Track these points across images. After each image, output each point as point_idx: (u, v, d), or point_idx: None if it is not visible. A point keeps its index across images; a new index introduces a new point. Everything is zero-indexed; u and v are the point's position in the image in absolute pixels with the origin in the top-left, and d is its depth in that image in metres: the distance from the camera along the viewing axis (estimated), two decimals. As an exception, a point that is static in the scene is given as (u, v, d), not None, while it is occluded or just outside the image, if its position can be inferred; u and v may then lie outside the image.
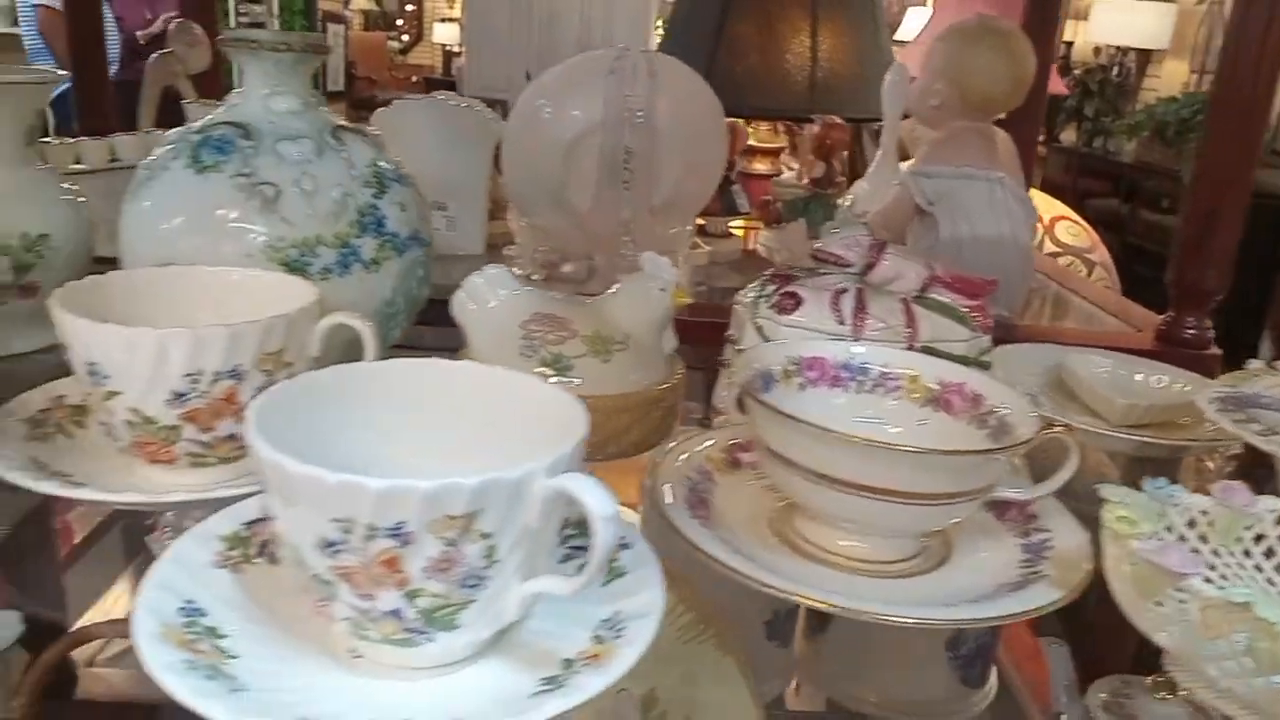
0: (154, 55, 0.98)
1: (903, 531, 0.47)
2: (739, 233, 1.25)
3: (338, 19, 7.58)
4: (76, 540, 0.58)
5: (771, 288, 0.63)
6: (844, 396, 0.53)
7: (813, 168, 1.20)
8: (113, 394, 0.45)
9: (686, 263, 1.04)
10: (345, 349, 0.51)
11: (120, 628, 0.46)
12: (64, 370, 0.70)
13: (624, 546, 0.42)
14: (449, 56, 7.77)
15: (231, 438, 0.48)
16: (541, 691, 0.34)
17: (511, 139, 0.94)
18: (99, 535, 0.57)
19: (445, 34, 7.77)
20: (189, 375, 0.45)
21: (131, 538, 0.55)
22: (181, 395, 0.45)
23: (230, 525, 0.41)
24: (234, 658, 0.35)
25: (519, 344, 0.57)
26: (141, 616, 0.35)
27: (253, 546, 0.41)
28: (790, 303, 0.61)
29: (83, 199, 0.68)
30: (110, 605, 0.50)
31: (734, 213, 1.21)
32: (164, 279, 0.53)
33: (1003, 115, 1.02)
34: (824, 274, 0.63)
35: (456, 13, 7.53)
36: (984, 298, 0.63)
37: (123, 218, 0.61)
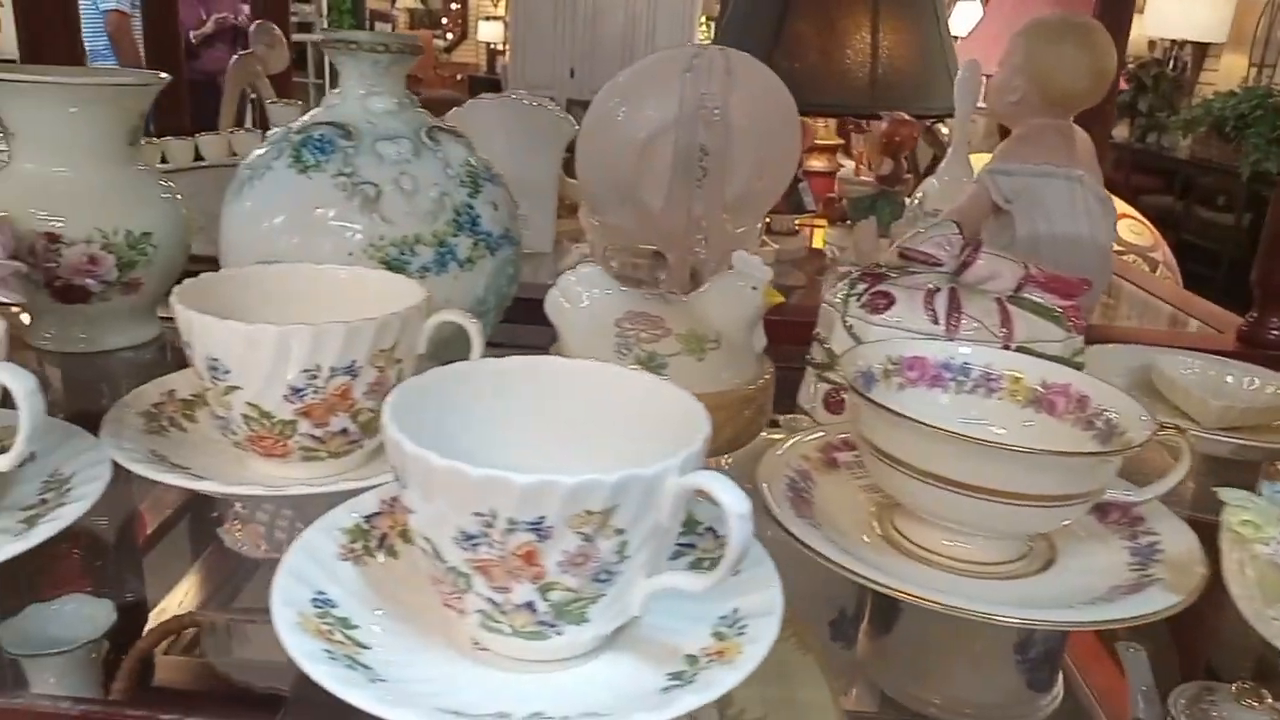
0: (235, 56, 1.00)
1: (1012, 533, 0.47)
2: (804, 230, 1.24)
3: (385, 18, 7.65)
4: (148, 530, 0.59)
5: (862, 286, 0.62)
6: (944, 397, 0.53)
7: (880, 165, 1.19)
8: (232, 389, 0.46)
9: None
10: (437, 348, 0.51)
11: (210, 616, 0.48)
12: (161, 365, 0.72)
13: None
14: (493, 55, 7.81)
15: (344, 433, 0.49)
16: (671, 687, 0.34)
17: (586, 138, 0.94)
18: (168, 526, 0.58)
19: (489, 32, 7.81)
20: (307, 371, 0.46)
21: (200, 528, 0.56)
22: (299, 391, 0.46)
23: (351, 518, 0.42)
24: (366, 648, 0.36)
25: (613, 342, 0.57)
26: (280, 606, 0.36)
27: (372, 540, 0.42)
28: (883, 302, 0.60)
29: (179, 197, 0.70)
30: (184, 594, 0.51)
31: (800, 210, 1.20)
32: (273, 276, 0.54)
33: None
34: (913, 273, 0.63)
35: (500, 11, 7.57)
36: (1078, 297, 0.63)
37: (224, 217, 0.63)
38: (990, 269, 0.60)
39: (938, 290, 0.60)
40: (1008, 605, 0.43)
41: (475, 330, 0.51)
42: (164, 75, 0.67)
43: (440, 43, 7.98)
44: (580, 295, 0.59)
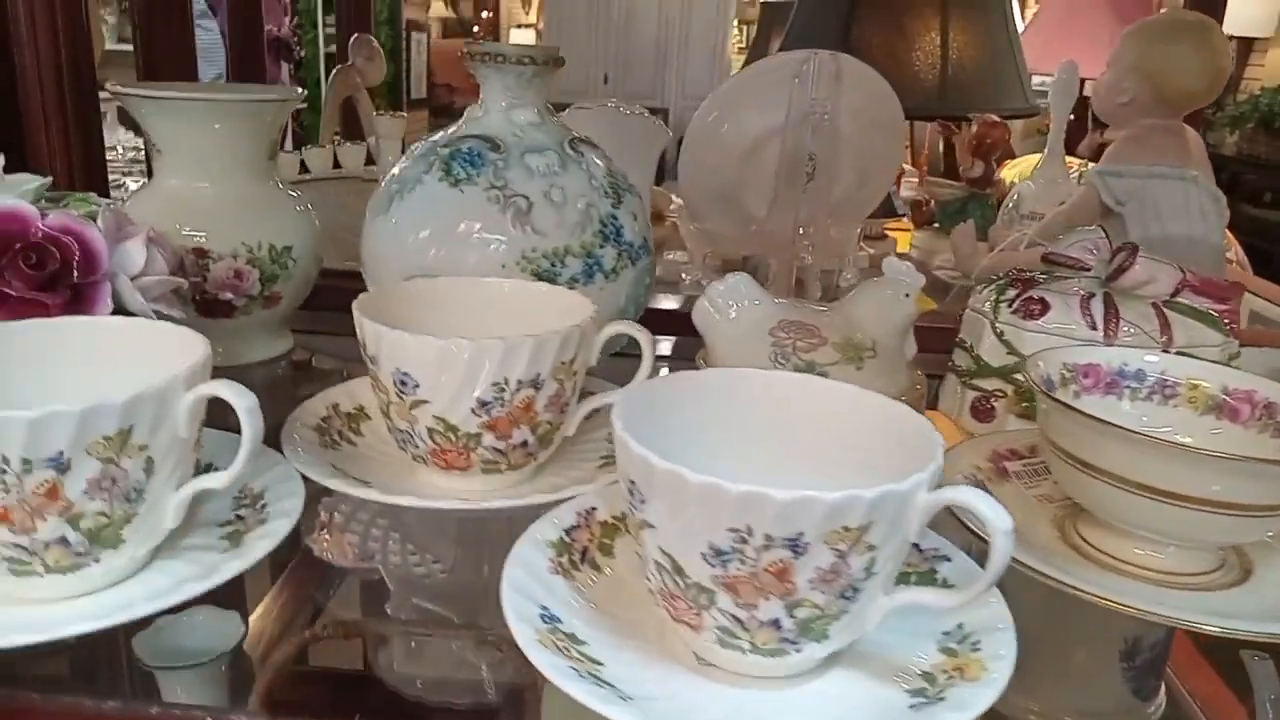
0: (335, 69, 1.01)
1: (1212, 543, 0.46)
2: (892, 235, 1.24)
3: (420, 27, 7.72)
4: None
5: (1011, 293, 0.62)
6: (1122, 404, 0.52)
7: (971, 167, 1.18)
8: (420, 403, 0.46)
9: (854, 265, 1.04)
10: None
11: (348, 629, 0.47)
12: (296, 377, 0.73)
13: (943, 559, 0.42)
14: (528, 61, 7.84)
15: (523, 445, 0.49)
16: (920, 704, 0.34)
17: (690, 145, 0.94)
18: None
19: (521, 40, 7.86)
20: (495, 385, 0.46)
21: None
22: (486, 405, 0.46)
23: (555, 532, 0.42)
24: (600, 664, 0.36)
25: (769, 351, 0.57)
26: (518, 623, 0.35)
27: (575, 554, 0.42)
28: (1037, 308, 0.60)
29: (312, 211, 0.70)
30: (277, 604, 0.50)
31: (892, 214, 1.19)
32: (439, 289, 0.54)
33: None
34: (1062, 278, 0.62)
35: (533, 19, 7.61)
36: (1233, 301, 0.62)
37: (369, 230, 0.63)
38: (1148, 273, 0.59)
39: (1092, 296, 0.60)
40: (1214, 616, 0.42)
41: (647, 341, 0.51)
42: (300, 91, 0.67)
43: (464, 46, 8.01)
44: (730, 305, 0.59)
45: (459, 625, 0.45)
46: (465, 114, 0.64)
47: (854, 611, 0.35)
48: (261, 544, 0.40)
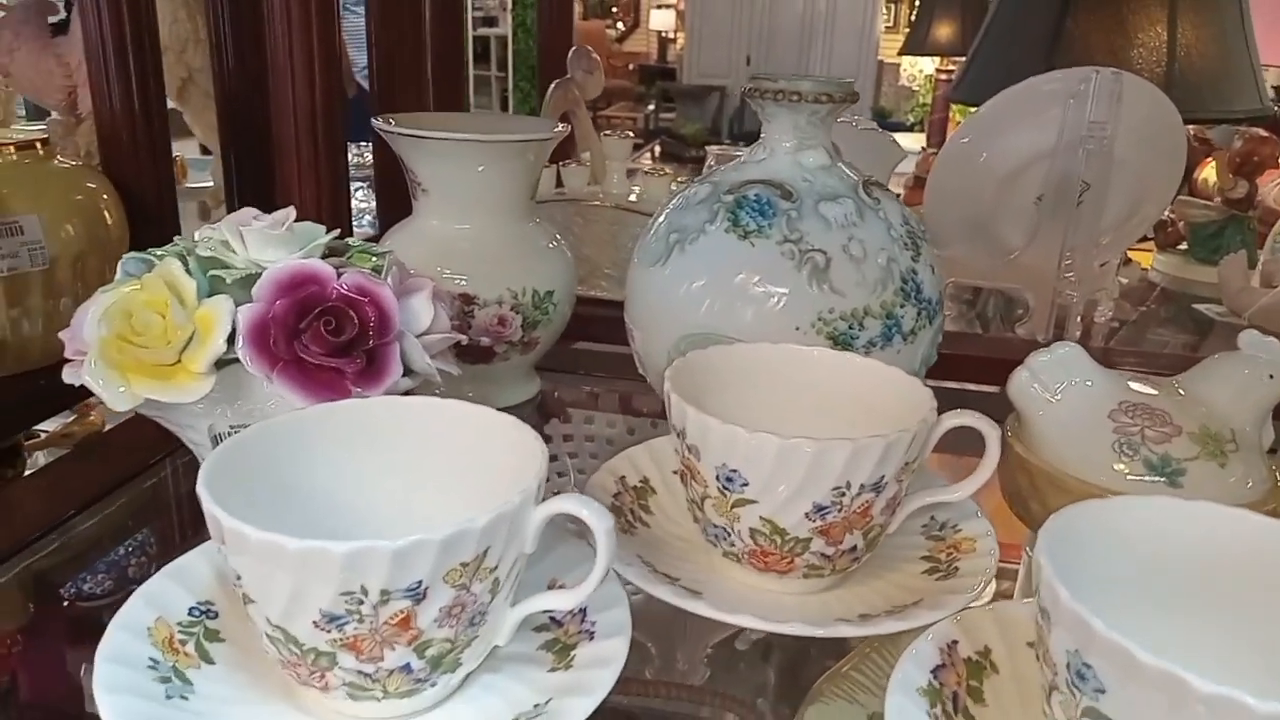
0: (554, 83, 0.97)
1: None
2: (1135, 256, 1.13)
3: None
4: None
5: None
6: None
7: (1234, 186, 1.06)
8: (746, 502, 0.42)
9: (1108, 298, 0.94)
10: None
11: None
12: (544, 423, 0.70)
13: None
14: (664, 43, 7.78)
15: (852, 550, 0.43)
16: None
17: (941, 167, 0.87)
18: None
19: (661, 20, 7.79)
20: (836, 489, 0.40)
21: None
22: (823, 509, 0.41)
23: (924, 676, 0.37)
24: None
25: (1110, 438, 0.50)
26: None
27: (947, 701, 0.36)
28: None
29: (569, 250, 0.67)
30: None
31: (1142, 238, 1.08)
32: (736, 358, 0.49)
33: None
34: None
35: (672, -1, 7.53)
36: None
37: (640, 278, 0.59)
38: None
39: None
40: None
41: (995, 438, 0.44)
42: (560, 128, 0.64)
43: (611, 32, 8.01)
44: (1058, 380, 0.52)
45: None
46: (745, 154, 0.59)
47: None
48: (603, 675, 0.36)
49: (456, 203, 0.62)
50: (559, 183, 0.91)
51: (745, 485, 0.41)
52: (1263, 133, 1.08)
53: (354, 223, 0.88)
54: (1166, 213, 1.16)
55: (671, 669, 0.46)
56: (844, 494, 0.41)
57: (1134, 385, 0.52)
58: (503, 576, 0.34)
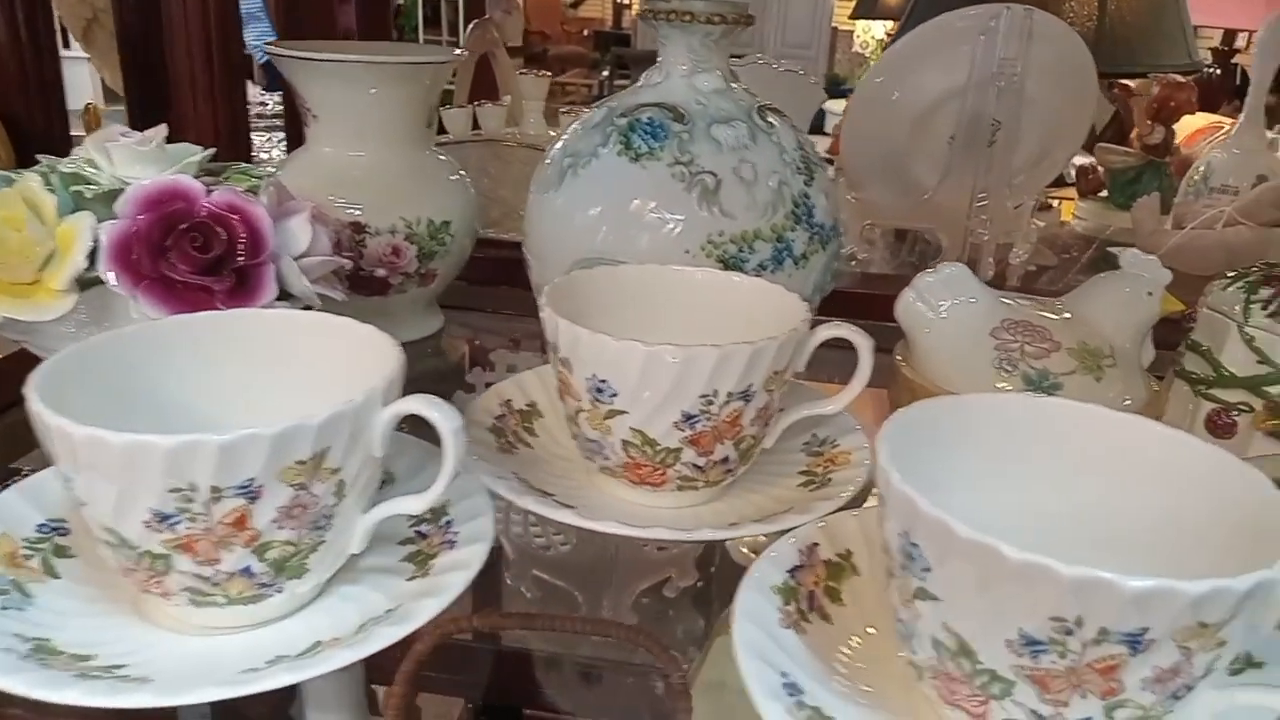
0: (472, 24, 0.95)
1: None
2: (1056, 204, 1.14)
3: (517, -29, 7.61)
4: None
5: (1266, 291, 0.53)
6: None
7: (1151, 132, 1.07)
8: (616, 413, 0.41)
9: (1024, 240, 0.95)
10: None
11: (498, 620, 0.43)
12: (447, 359, 0.69)
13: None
14: (619, 9, 7.69)
15: (724, 461, 0.43)
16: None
17: (854, 109, 0.86)
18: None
19: (613, -19, 7.67)
20: (704, 397, 0.40)
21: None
22: (691, 418, 0.41)
23: (779, 574, 0.37)
24: (856, 750, 0.30)
25: (992, 355, 0.50)
26: (767, 701, 0.30)
27: (802, 600, 0.37)
28: (1302, 311, 0.51)
29: (469, 180, 0.66)
30: None
31: (1060, 182, 1.10)
32: (622, 279, 0.49)
33: None
34: (1323, 274, 0.54)
35: (625, -33, 7.44)
36: None
37: (534, 206, 0.58)
38: None
39: (1370, 297, 0.51)
40: None
41: (867, 349, 0.44)
42: (458, 51, 0.62)
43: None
44: (942, 301, 0.52)
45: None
46: (641, 78, 0.58)
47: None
48: (455, 577, 0.35)
49: (348, 129, 0.60)
50: (475, 124, 0.90)
51: (614, 395, 0.41)
52: (1179, 78, 1.09)
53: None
54: (1087, 159, 1.17)
55: (597, 614, 0.46)
56: (712, 402, 0.41)
57: (1018, 304, 0.52)
58: (349, 479, 0.34)
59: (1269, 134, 1.05)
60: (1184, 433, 0.34)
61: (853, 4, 4.60)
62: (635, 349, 0.39)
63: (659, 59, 0.57)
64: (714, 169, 0.53)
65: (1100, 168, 1.12)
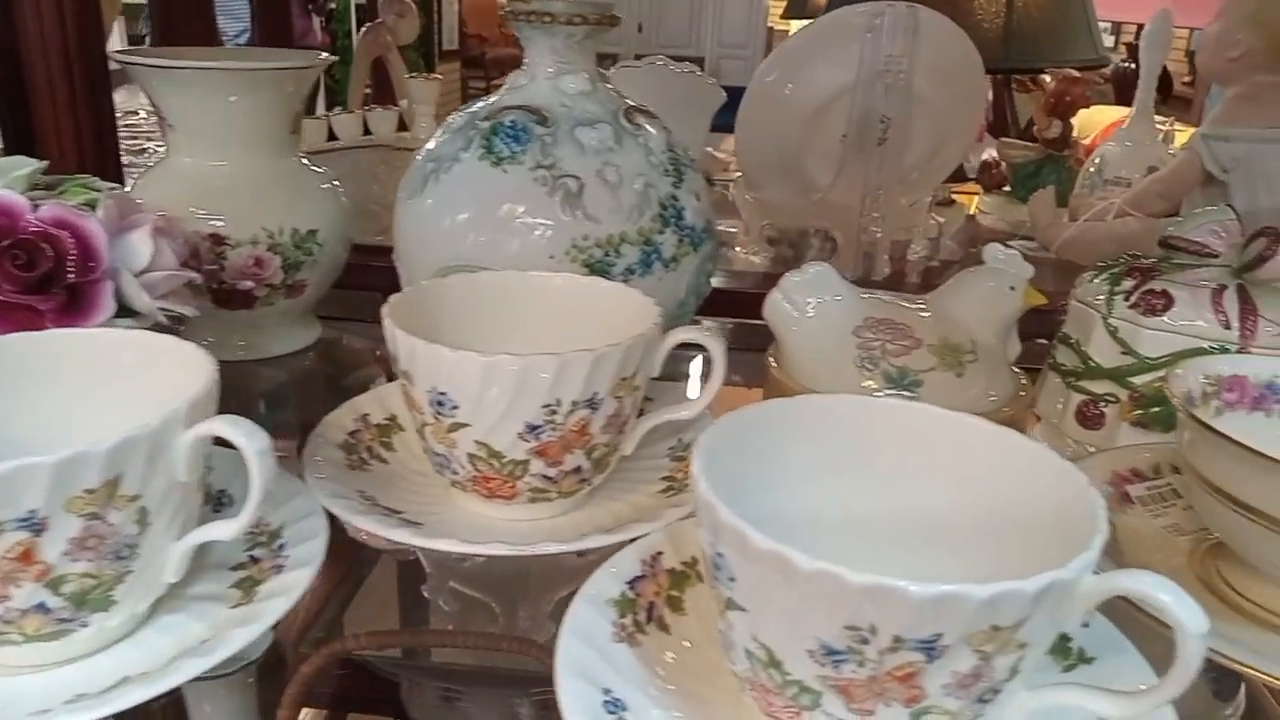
0: (364, 26, 0.94)
1: (1396, 600, 0.39)
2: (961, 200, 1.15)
3: (453, -24, 7.56)
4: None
5: (1129, 283, 0.54)
6: (1268, 423, 0.44)
7: (1048, 127, 1.09)
8: (459, 426, 0.40)
9: (924, 236, 0.96)
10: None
11: (387, 638, 0.44)
12: (323, 371, 0.67)
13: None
14: (559, 11, 7.65)
15: (576, 471, 0.42)
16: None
17: (748, 107, 0.86)
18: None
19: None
20: (547, 406, 0.39)
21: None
22: (536, 428, 0.40)
23: (616, 586, 0.36)
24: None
25: (854, 354, 0.50)
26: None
27: (640, 611, 0.36)
28: (1159, 302, 0.52)
29: (340, 188, 0.64)
30: (344, 613, 0.46)
31: (960, 178, 1.11)
32: (478, 286, 0.48)
33: None
34: (1186, 266, 0.55)
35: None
36: (1387, 293, 0.54)
37: (400, 213, 0.57)
38: (1295, 263, 0.51)
39: (1224, 288, 0.52)
40: None
41: (719, 352, 0.44)
42: (324, 56, 0.61)
43: (504, 1, 7.83)
44: (808, 300, 0.52)
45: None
46: (507, 81, 0.57)
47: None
48: (274, 604, 0.34)
49: (207, 139, 0.58)
50: (366, 129, 0.88)
51: (456, 408, 0.40)
52: (1074, 73, 1.11)
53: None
54: (990, 154, 1.19)
55: (514, 625, 0.44)
56: (556, 412, 0.40)
57: (883, 302, 0.52)
58: (152, 506, 0.32)
59: (1161, 126, 1.08)
60: (1009, 430, 0.34)
61: (784, 4, 4.63)
62: (472, 359, 0.38)
63: (525, 61, 0.56)
64: (577, 172, 0.52)
65: (1002, 162, 1.14)
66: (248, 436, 0.32)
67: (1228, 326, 0.50)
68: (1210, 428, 0.38)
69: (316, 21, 3.44)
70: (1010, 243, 1.04)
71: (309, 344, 0.65)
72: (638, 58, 0.96)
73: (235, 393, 0.63)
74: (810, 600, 0.26)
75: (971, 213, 1.16)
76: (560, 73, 0.55)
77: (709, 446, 0.31)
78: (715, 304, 0.64)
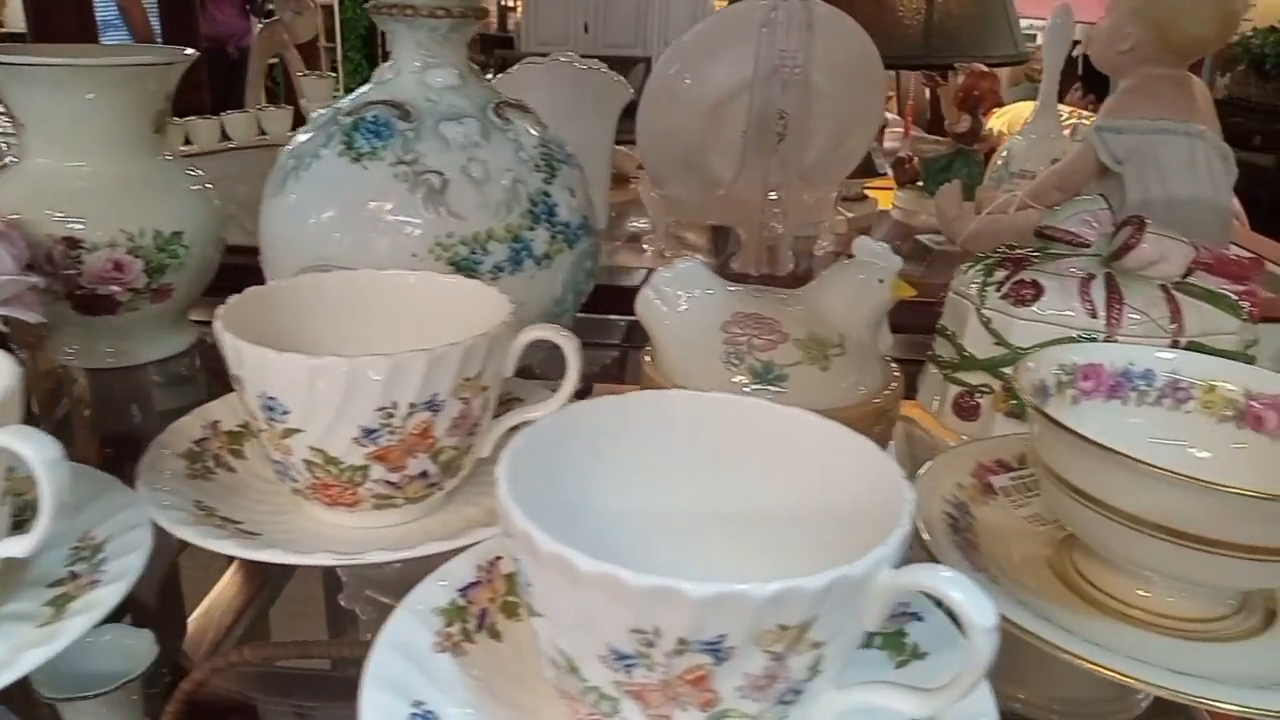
0: (260, 25, 0.91)
1: (1234, 588, 0.39)
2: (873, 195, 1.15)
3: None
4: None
5: (1001, 274, 0.54)
6: (1126, 411, 0.44)
7: (957, 121, 1.10)
8: (292, 432, 0.39)
9: (831, 231, 0.96)
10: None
11: (272, 651, 0.43)
12: (196, 378, 0.65)
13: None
14: (504, 11, 7.62)
15: (423, 475, 0.41)
16: None
17: (649, 103, 0.85)
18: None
19: (491, -14, 7.59)
20: (382, 410, 0.38)
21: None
22: (371, 433, 0.38)
23: (445, 595, 0.35)
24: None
25: (721, 350, 0.49)
26: (378, 734, 0.28)
27: (470, 620, 0.35)
28: (1029, 292, 0.52)
29: (210, 188, 0.62)
30: (243, 626, 0.45)
31: (872, 173, 1.11)
32: (329, 286, 0.46)
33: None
34: (1058, 256, 0.55)
35: (502, -38, 7.37)
36: (1251, 279, 0.54)
37: (264, 212, 0.55)
38: (1157, 251, 0.51)
39: (1093, 277, 0.52)
40: (1227, 686, 0.34)
41: (573, 350, 0.43)
42: (189, 51, 0.59)
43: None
44: (679, 296, 0.51)
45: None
46: (374, 75, 0.56)
47: (794, 716, 0.28)
48: (75, 622, 0.32)
49: (63, 138, 0.56)
50: (260, 129, 0.86)
51: (287, 413, 0.38)
52: (982, 68, 1.12)
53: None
54: (904, 149, 1.20)
55: None
56: (393, 415, 0.38)
57: (754, 297, 0.52)
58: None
59: (1064, 118, 1.09)
60: (836, 424, 0.33)
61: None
62: (298, 362, 0.37)
63: (391, 56, 0.55)
64: (440, 168, 0.51)
65: (915, 157, 1.14)
66: (36, 447, 0.31)
67: (1094, 315, 0.51)
68: (1052, 419, 0.38)
69: (256, 24, 3.38)
70: (921, 236, 1.06)
71: (182, 350, 0.63)
72: (584, 58, 0.95)
73: (104, 401, 0.61)
74: (596, 604, 0.25)
75: (884, 208, 1.16)
76: (426, 67, 0.54)
77: (519, 449, 0.30)
78: (620, 300, 0.62)
